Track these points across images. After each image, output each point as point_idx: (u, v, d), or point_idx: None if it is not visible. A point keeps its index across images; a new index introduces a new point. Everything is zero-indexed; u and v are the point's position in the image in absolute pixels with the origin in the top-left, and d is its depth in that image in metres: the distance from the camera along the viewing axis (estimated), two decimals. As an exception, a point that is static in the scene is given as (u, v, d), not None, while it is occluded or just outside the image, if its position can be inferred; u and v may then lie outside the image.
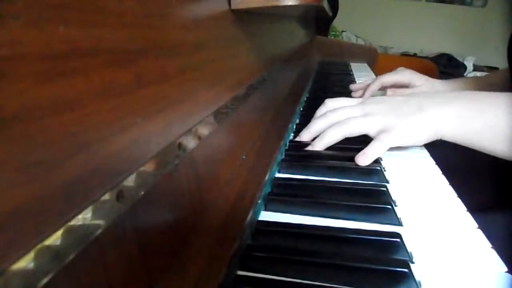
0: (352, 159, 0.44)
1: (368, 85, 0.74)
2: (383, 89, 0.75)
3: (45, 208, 0.13)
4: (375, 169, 0.41)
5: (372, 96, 0.72)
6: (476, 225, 0.32)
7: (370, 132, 0.44)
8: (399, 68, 0.73)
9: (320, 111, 0.51)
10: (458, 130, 0.42)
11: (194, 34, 0.29)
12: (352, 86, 0.80)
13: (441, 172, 0.42)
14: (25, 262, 0.12)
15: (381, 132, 0.43)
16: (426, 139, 0.43)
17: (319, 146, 0.46)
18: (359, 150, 0.47)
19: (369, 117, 0.45)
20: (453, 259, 0.28)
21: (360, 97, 0.75)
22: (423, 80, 0.71)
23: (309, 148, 0.46)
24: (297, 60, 0.93)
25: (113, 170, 0.18)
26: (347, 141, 0.52)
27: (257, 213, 0.32)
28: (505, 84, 0.67)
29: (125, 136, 0.19)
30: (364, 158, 0.41)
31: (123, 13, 0.19)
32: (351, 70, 1.17)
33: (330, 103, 0.51)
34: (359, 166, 0.41)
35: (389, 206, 0.33)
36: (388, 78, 0.72)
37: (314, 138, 0.48)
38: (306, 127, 0.50)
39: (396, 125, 0.43)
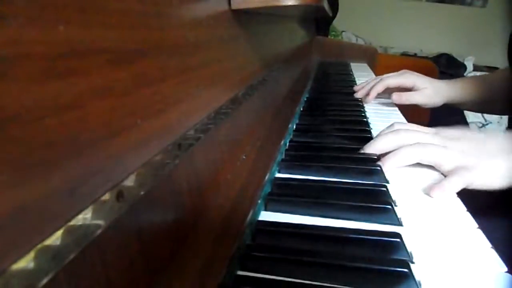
0: (352, 159, 0.44)
1: (372, 87, 0.74)
2: (387, 92, 0.75)
3: (45, 208, 0.13)
4: (375, 169, 0.41)
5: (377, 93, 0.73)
6: (476, 225, 0.32)
7: (446, 166, 0.40)
8: (403, 71, 0.73)
9: (388, 130, 0.47)
10: None
11: (194, 34, 0.29)
12: (356, 87, 0.80)
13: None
14: (25, 262, 0.12)
15: (458, 168, 0.39)
16: (507, 185, 0.39)
17: (390, 165, 0.41)
18: (359, 149, 0.47)
19: (449, 150, 0.41)
20: (453, 259, 0.28)
21: (363, 96, 0.75)
22: (427, 83, 0.70)
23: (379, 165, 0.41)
24: (297, 60, 0.93)
25: (113, 170, 0.18)
26: (347, 140, 0.52)
27: (257, 213, 0.32)
28: (506, 82, 0.67)
29: (125, 136, 0.19)
30: (440, 191, 0.37)
31: (123, 13, 0.19)
32: (351, 70, 1.17)
33: (399, 126, 0.47)
34: (359, 166, 0.41)
35: (389, 206, 0.33)
36: (393, 80, 0.71)
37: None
38: (372, 141, 0.45)
39: (478, 165, 0.39)
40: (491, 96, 0.70)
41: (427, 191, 0.38)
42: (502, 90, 0.68)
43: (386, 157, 0.42)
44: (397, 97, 0.70)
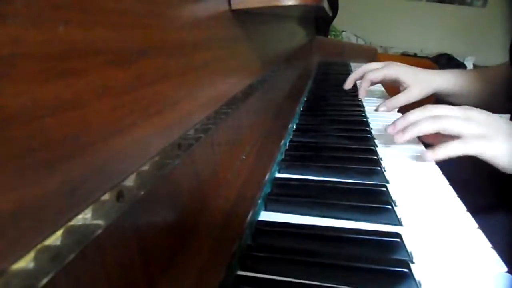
0: (351, 159, 0.44)
1: (360, 86, 0.73)
2: (372, 85, 0.75)
3: (45, 208, 0.13)
4: (375, 169, 0.41)
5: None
6: (476, 225, 0.32)
7: (465, 134, 0.42)
8: (387, 62, 0.73)
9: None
10: None
11: (194, 34, 0.29)
12: (345, 85, 0.82)
13: (441, 172, 0.42)
14: (25, 262, 0.12)
15: (473, 136, 0.41)
16: None
17: (410, 133, 0.45)
18: (359, 149, 0.47)
19: (470, 121, 0.43)
20: (453, 259, 0.28)
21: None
22: (410, 74, 0.68)
23: (399, 135, 0.45)
24: (297, 60, 0.93)
25: (113, 170, 0.18)
26: (347, 140, 0.52)
27: (257, 213, 0.32)
28: (504, 79, 0.66)
29: (125, 136, 0.19)
30: (433, 154, 0.40)
31: (123, 13, 0.19)
32: (351, 70, 1.17)
33: (431, 106, 0.48)
34: (359, 166, 0.41)
35: (389, 206, 0.33)
36: (375, 75, 0.71)
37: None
38: (402, 116, 0.48)
39: (494, 139, 0.40)
40: (490, 91, 0.69)
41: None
42: (503, 87, 0.67)
43: (409, 127, 0.44)
44: (384, 109, 0.69)
